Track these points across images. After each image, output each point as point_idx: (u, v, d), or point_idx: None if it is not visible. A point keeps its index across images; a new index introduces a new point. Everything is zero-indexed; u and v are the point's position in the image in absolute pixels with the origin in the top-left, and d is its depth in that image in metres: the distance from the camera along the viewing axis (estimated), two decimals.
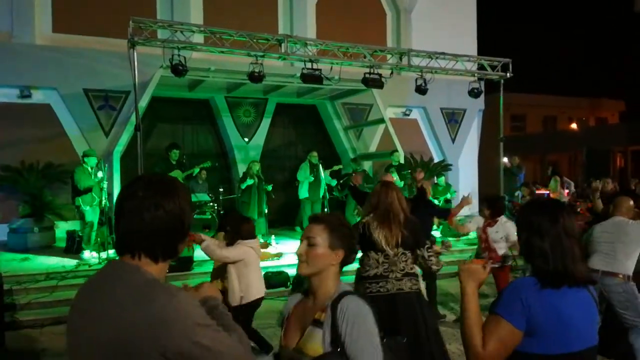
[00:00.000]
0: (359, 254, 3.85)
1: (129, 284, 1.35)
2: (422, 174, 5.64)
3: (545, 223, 1.94)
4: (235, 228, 4.81)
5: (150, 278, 1.38)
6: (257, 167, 10.35)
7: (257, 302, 4.86)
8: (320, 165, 10.35)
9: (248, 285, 4.74)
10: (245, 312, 4.71)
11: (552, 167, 12.89)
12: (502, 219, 5.71)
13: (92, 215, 8.14)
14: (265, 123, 12.56)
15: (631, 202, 4.66)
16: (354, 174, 8.41)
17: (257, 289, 4.85)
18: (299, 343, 1.94)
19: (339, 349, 1.84)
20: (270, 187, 10.50)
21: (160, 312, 1.29)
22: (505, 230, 5.55)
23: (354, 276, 4.00)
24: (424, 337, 3.58)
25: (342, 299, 1.92)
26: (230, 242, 4.78)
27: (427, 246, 3.87)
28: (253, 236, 4.90)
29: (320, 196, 10.30)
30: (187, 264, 7.58)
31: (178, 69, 7.83)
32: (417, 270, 3.90)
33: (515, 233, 5.87)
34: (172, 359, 1.30)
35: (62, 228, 9.49)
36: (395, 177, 5.00)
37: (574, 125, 28.25)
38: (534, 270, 1.94)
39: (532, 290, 1.88)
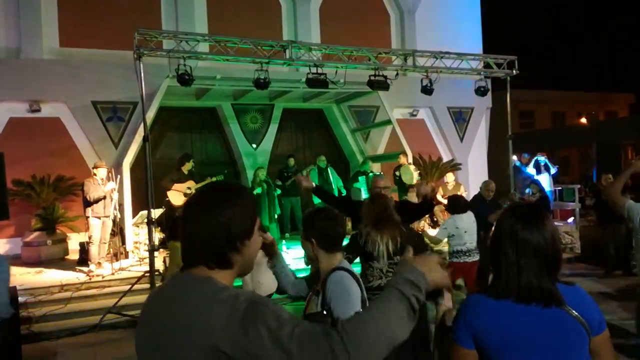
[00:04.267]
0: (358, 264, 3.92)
1: (198, 293, 1.36)
2: (382, 182, 4.70)
3: (501, 233, 1.82)
4: None
5: (217, 286, 1.39)
6: (263, 173, 10.37)
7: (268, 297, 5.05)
8: (329, 169, 10.35)
9: (259, 282, 5.01)
10: None
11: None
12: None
13: (98, 230, 8.18)
14: (273, 129, 12.60)
15: None
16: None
17: (268, 285, 5.03)
18: (305, 308, 2.54)
19: (324, 311, 2.36)
20: (278, 191, 10.54)
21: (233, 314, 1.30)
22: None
23: None
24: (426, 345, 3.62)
25: (332, 273, 2.46)
26: None
27: (428, 253, 3.82)
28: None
29: None
30: None
31: (184, 79, 7.88)
32: None
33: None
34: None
35: (74, 240, 9.57)
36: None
37: (583, 120, 28.03)
38: (500, 284, 1.79)
39: (477, 308, 1.77)
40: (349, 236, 4.04)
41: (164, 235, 9.12)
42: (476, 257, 6.08)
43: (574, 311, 1.71)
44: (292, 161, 11.01)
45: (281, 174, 10.83)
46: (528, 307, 1.72)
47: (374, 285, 3.76)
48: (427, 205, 5.21)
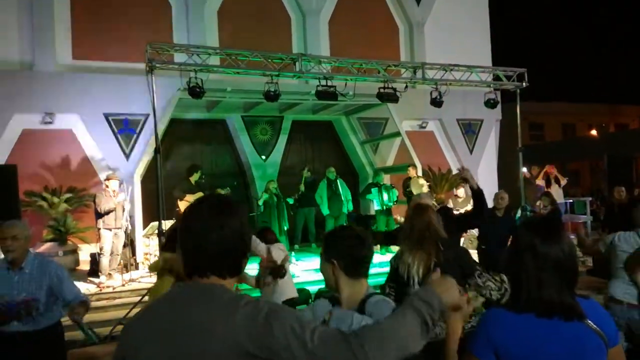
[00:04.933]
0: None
1: (214, 300, 1.41)
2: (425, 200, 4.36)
3: (518, 248, 1.80)
4: (261, 237, 5.12)
5: (233, 293, 1.46)
6: (274, 186, 10.42)
7: (290, 302, 5.15)
8: (339, 181, 10.37)
9: (282, 286, 5.08)
10: None
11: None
12: None
13: (109, 241, 8.21)
14: (282, 140, 12.66)
15: None
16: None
17: (291, 290, 5.27)
18: None
19: None
20: (292, 200, 10.57)
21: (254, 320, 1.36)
22: None
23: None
24: None
25: (367, 300, 2.11)
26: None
27: (477, 272, 3.25)
28: (276, 241, 5.30)
29: (344, 211, 10.31)
30: None
31: (195, 91, 7.96)
32: None
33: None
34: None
35: (85, 251, 9.62)
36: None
37: (593, 132, 27.87)
38: (512, 296, 1.81)
39: (499, 323, 1.77)
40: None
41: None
42: None
43: (593, 325, 1.72)
44: (306, 172, 11.03)
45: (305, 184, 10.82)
46: (550, 322, 1.72)
47: None
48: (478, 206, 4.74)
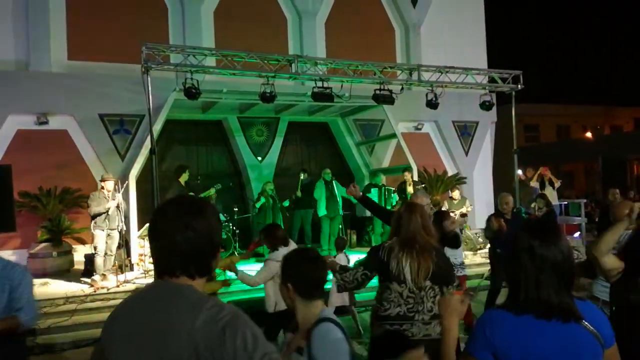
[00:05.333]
0: (375, 285, 3.44)
1: (181, 301, 1.42)
2: (424, 199, 4.52)
3: (518, 249, 1.81)
4: (269, 236, 5.07)
5: (201, 295, 1.46)
6: (271, 187, 10.43)
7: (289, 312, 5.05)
8: (335, 182, 10.37)
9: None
10: (277, 319, 4.80)
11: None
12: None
13: (103, 241, 8.17)
14: (278, 142, 12.66)
15: None
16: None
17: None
18: None
19: None
20: (287, 203, 10.58)
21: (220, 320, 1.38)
22: None
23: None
24: None
25: (316, 326, 2.10)
26: (270, 249, 5.05)
27: (456, 284, 3.36)
28: (286, 241, 5.11)
29: (339, 213, 10.32)
30: None
31: (191, 92, 7.95)
32: None
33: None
34: None
35: (80, 252, 9.59)
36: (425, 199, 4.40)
37: (588, 134, 27.99)
38: (510, 298, 1.82)
39: (498, 324, 1.77)
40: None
41: None
42: (463, 272, 6.18)
43: (590, 326, 1.73)
44: (303, 175, 11.05)
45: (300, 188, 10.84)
46: (548, 323, 1.73)
47: (392, 313, 3.18)
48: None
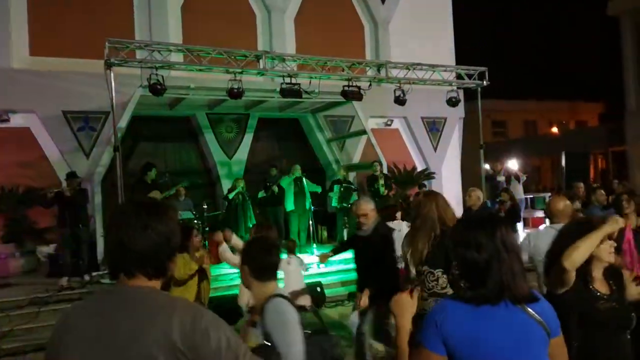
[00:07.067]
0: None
1: (151, 301, 1.46)
2: (361, 209, 4.63)
3: (482, 236, 1.83)
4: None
5: (167, 296, 1.51)
6: (241, 184, 10.38)
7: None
8: (304, 178, 10.37)
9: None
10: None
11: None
12: None
13: (70, 239, 8.02)
14: (248, 138, 12.59)
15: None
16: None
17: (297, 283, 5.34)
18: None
19: (269, 343, 2.30)
20: (262, 194, 10.57)
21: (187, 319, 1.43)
22: None
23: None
24: None
25: (267, 301, 2.42)
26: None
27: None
28: (294, 248, 5.39)
29: (306, 208, 10.32)
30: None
31: (156, 88, 7.84)
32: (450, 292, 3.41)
33: None
34: None
35: (44, 252, 9.37)
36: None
37: (555, 130, 28.63)
38: (468, 287, 1.84)
39: (449, 313, 1.80)
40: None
41: None
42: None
43: (536, 315, 1.78)
44: (274, 171, 11.03)
45: (265, 185, 10.81)
46: (496, 310, 1.77)
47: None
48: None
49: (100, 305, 1.51)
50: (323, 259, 5.28)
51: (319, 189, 10.88)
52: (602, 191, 8.13)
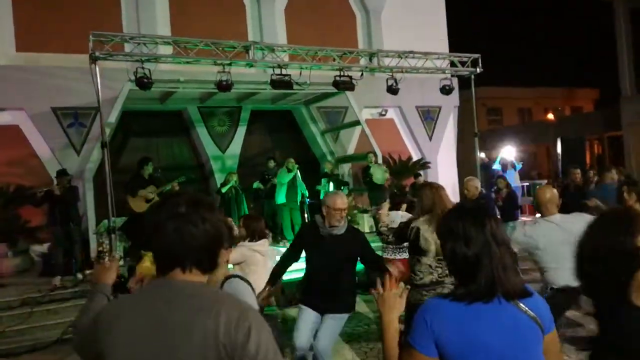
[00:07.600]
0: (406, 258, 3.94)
1: (194, 299, 1.44)
2: (338, 203, 4.12)
3: (471, 229, 1.73)
4: (246, 228, 4.85)
5: (216, 291, 1.56)
6: (234, 178, 10.28)
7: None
8: (297, 171, 10.26)
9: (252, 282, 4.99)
10: None
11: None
12: None
13: (62, 238, 7.92)
14: (241, 131, 12.46)
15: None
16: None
17: (260, 289, 5.01)
18: None
19: None
20: (257, 185, 10.49)
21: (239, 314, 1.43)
22: None
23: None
24: None
25: (225, 282, 2.52)
26: (250, 239, 4.78)
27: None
28: (263, 234, 4.96)
29: (298, 202, 10.22)
30: None
31: (143, 82, 7.70)
32: None
33: None
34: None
35: (37, 251, 9.27)
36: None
37: (550, 116, 28.56)
38: (458, 283, 1.76)
39: (439, 311, 1.70)
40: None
41: (130, 244, 8.87)
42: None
43: (529, 310, 1.70)
44: (272, 163, 10.92)
45: (262, 177, 10.70)
46: (487, 307, 1.68)
47: (426, 281, 3.66)
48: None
49: (151, 299, 1.49)
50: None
51: (305, 192, 10.62)
52: (615, 170, 7.96)
